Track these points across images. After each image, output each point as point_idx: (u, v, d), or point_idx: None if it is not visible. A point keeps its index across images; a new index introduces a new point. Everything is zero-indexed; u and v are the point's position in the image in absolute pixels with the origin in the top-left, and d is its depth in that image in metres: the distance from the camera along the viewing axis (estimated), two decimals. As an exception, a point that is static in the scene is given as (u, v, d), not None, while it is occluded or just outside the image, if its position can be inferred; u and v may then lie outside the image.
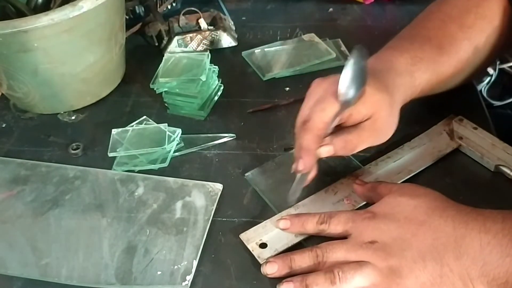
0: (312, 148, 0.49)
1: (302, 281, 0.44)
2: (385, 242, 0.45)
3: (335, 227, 0.48)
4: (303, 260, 0.46)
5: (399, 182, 0.54)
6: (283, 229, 0.50)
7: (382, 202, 0.49)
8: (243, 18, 0.88)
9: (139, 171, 0.59)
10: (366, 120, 0.50)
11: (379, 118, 0.50)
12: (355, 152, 0.51)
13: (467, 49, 0.57)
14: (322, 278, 0.44)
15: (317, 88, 0.51)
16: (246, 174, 0.58)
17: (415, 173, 0.56)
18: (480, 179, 0.56)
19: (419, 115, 0.62)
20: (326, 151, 0.49)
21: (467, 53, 0.58)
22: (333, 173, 0.57)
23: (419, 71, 0.54)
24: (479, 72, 0.63)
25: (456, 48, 0.57)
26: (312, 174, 0.51)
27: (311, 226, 0.49)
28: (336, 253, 0.46)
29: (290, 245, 0.49)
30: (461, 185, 0.55)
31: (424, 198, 0.47)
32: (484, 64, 0.62)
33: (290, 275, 0.46)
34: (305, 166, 0.49)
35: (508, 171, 0.54)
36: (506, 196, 0.54)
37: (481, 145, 0.57)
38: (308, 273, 0.45)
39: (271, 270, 0.46)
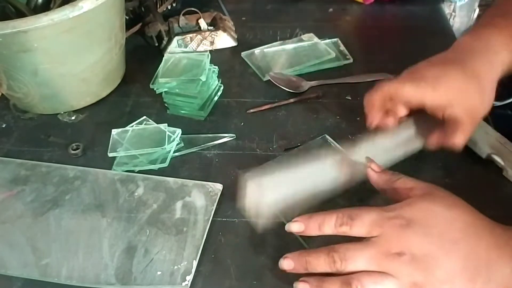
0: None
1: (318, 286, 0.42)
2: (414, 256, 0.41)
3: (358, 230, 0.43)
4: (318, 264, 0.43)
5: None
6: (297, 233, 0.46)
7: (415, 208, 0.44)
8: (243, 18, 0.88)
9: (139, 171, 0.59)
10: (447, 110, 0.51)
11: (471, 105, 0.51)
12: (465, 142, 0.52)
13: None
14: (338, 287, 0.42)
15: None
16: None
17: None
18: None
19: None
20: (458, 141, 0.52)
21: None
22: None
23: None
24: None
25: None
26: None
27: (329, 229, 0.44)
28: (356, 262, 0.42)
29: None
30: (461, 185, 0.55)
31: (458, 210, 0.44)
32: None
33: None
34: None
35: (499, 159, 0.55)
36: (497, 184, 0.56)
37: (475, 132, 0.57)
38: (325, 278, 0.43)
39: (287, 266, 0.44)
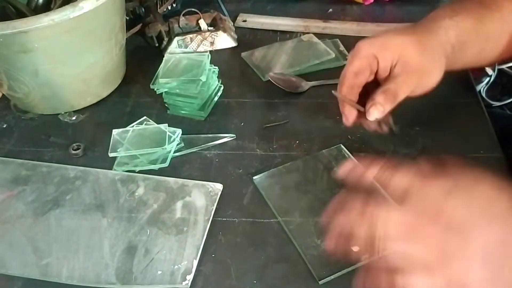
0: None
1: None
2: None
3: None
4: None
5: None
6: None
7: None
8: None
9: (140, 171, 0.60)
10: (395, 65, 0.52)
11: (408, 60, 0.52)
12: (400, 100, 0.52)
13: (511, 10, 0.57)
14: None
15: None
16: (255, 178, 0.57)
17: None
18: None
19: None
20: (374, 110, 0.51)
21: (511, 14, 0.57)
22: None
23: (459, 16, 0.56)
24: None
25: (498, 5, 0.57)
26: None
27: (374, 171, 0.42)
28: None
29: None
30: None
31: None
32: None
33: None
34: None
35: None
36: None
37: None
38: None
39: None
